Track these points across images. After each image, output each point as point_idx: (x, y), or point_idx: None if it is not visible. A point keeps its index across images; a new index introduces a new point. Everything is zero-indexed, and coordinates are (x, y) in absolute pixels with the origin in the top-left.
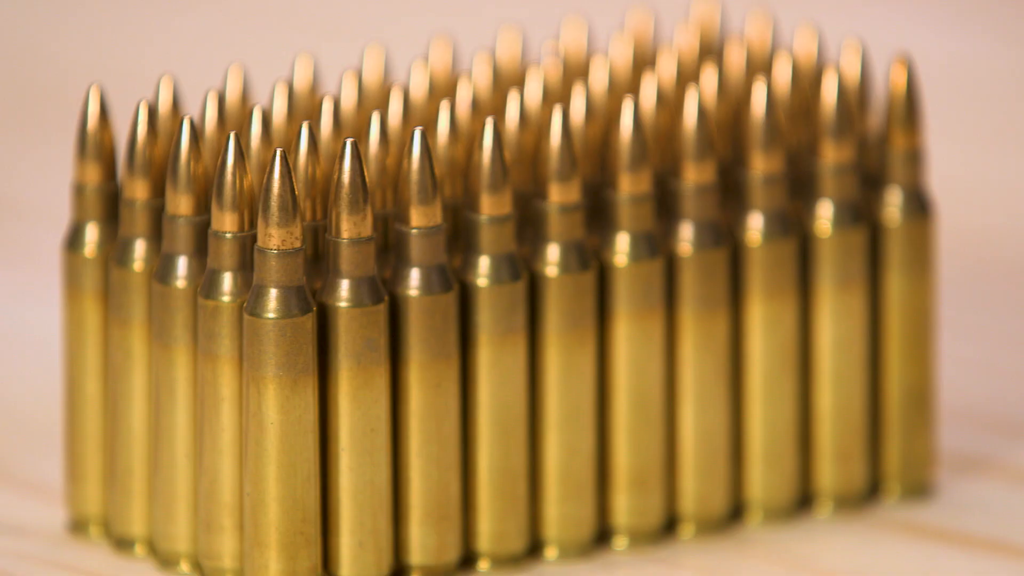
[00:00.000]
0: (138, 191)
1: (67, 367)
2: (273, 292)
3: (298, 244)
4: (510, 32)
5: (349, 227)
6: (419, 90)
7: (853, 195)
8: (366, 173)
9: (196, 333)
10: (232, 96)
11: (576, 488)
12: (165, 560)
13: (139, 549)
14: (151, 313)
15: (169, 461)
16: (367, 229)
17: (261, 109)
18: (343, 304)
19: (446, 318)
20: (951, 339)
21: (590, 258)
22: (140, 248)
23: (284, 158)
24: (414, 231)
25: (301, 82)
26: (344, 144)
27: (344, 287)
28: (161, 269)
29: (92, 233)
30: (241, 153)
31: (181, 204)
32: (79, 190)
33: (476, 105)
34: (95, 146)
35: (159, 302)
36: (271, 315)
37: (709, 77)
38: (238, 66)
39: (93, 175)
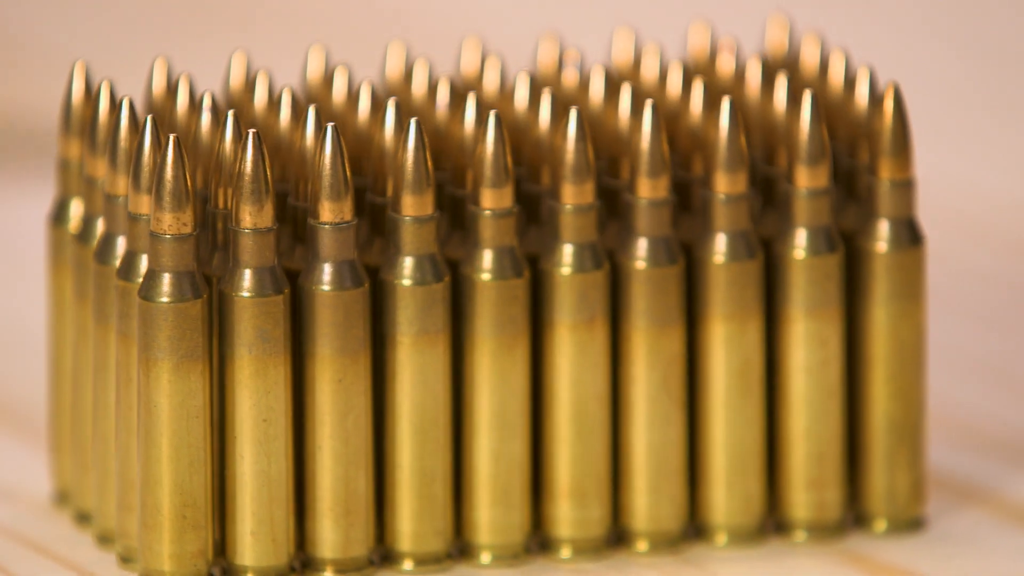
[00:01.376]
0: (98, 170)
1: (48, 340)
2: (166, 277)
3: (188, 229)
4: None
5: (250, 217)
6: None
7: (826, 221)
8: (267, 165)
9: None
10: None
11: (505, 494)
12: (102, 537)
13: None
14: (93, 292)
15: (102, 438)
16: (268, 220)
17: (211, 95)
18: (242, 293)
19: (350, 314)
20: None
21: (523, 265)
22: (100, 227)
23: (177, 144)
24: (326, 226)
25: (313, 73)
26: (247, 135)
27: (245, 277)
28: (100, 250)
29: (76, 208)
30: (159, 137)
31: (119, 185)
32: (63, 166)
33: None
34: (79, 122)
35: (97, 281)
36: (163, 299)
37: (687, 90)
38: (242, 54)
39: (77, 151)
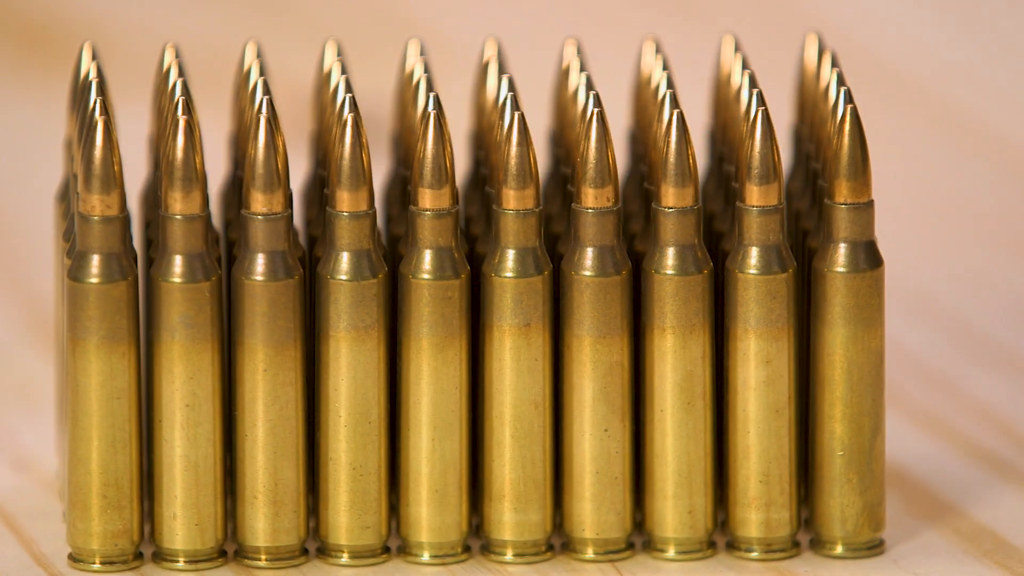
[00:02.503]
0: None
1: (55, 318)
2: (94, 258)
3: (115, 212)
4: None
5: (179, 204)
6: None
7: (776, 240)
8: (197, 153)
9: None
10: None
11: (440, 493)
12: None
13: None
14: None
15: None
16: (197, 207)
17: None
18: (170, 279)
19: (275, 305)
20: None
21: (462, 266)
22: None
23: (106, 127)
24: (259, 217)
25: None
26: (176, 122)
27: (175, 263)
28: (67, 230)
29: None
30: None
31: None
32: (69, 145)
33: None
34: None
35: (60, 258)
36: (90, 280)
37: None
38: (253, 43)
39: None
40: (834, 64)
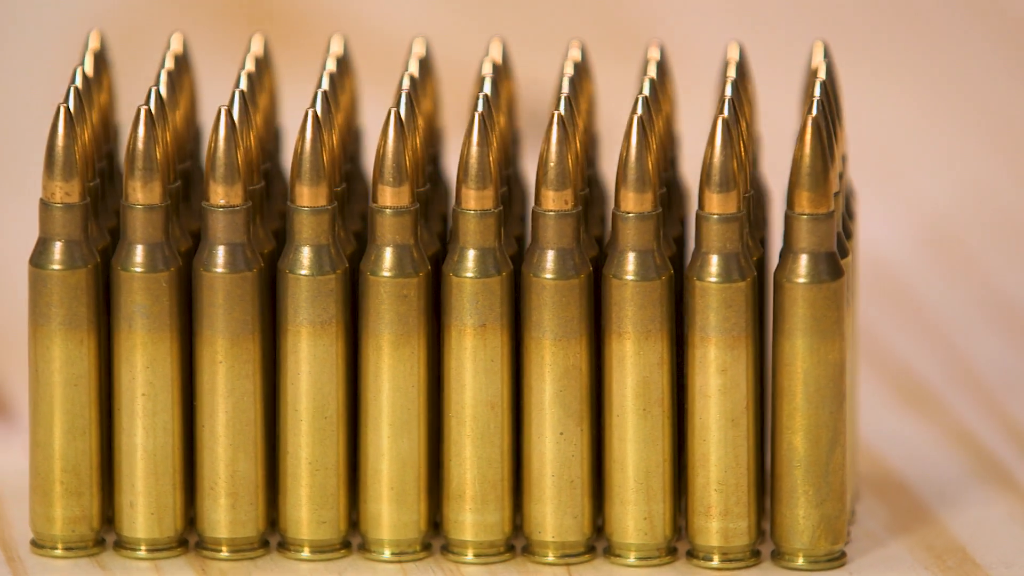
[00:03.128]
0: None
1: None
2: (56, 245)
3: (75, 199)
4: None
5: (140, 194)
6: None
7: (734, 248)
8: (158, 143)
9: None
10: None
11: (398, 491)
12: None
13: None
14: None
15: None
16: (156, 197)
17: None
18: (129, 268)
19: (231, 297)
20: None
21: (421, 264)
22: None
23: (68, 114)
24: (221, 209)
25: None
26: (138, 111)
27: (135, 252)
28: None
29: None
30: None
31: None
32: None
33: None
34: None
35: None
36: (52, 267)
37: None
38: (258, 36)
39: None
40: (827, 74)
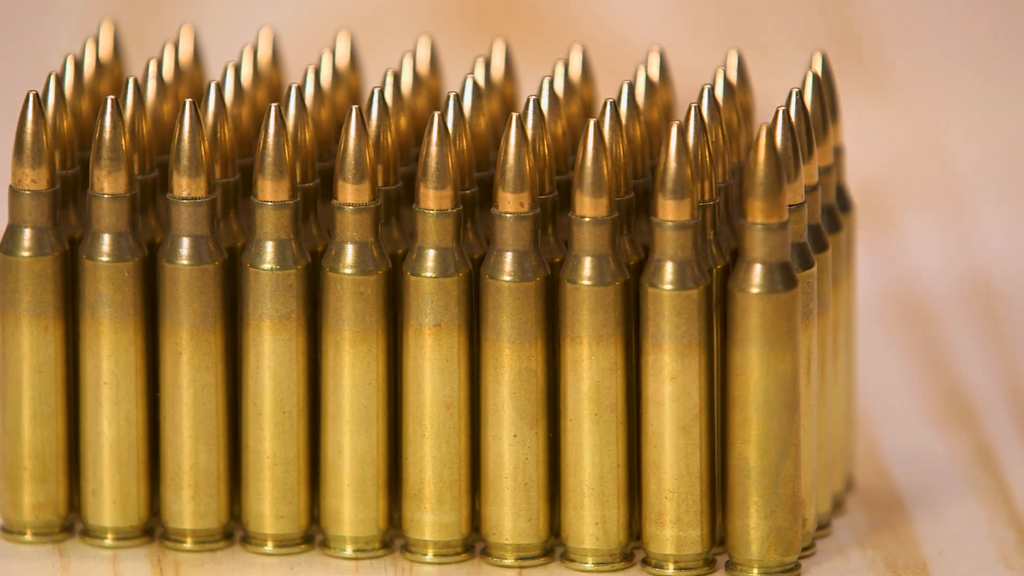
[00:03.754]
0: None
1: None
2: (25, 232)
3: (43, 187)
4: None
5: (106, 184)
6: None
7: (690, 256)
8: (124, 134)
9: None
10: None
11: (356, 488)
12: None
13: None
14: None
15: None
16: (122, 186)
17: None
18: (94, 257)
19: (191, 289)
20: None
21: (381, 262)
22: None
23: (37, 100)
24: (183, 201)
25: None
26: (104, 102)
27: (101, 241)
28: None
29: None
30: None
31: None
32: None
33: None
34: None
35: None
36: (21, 253)
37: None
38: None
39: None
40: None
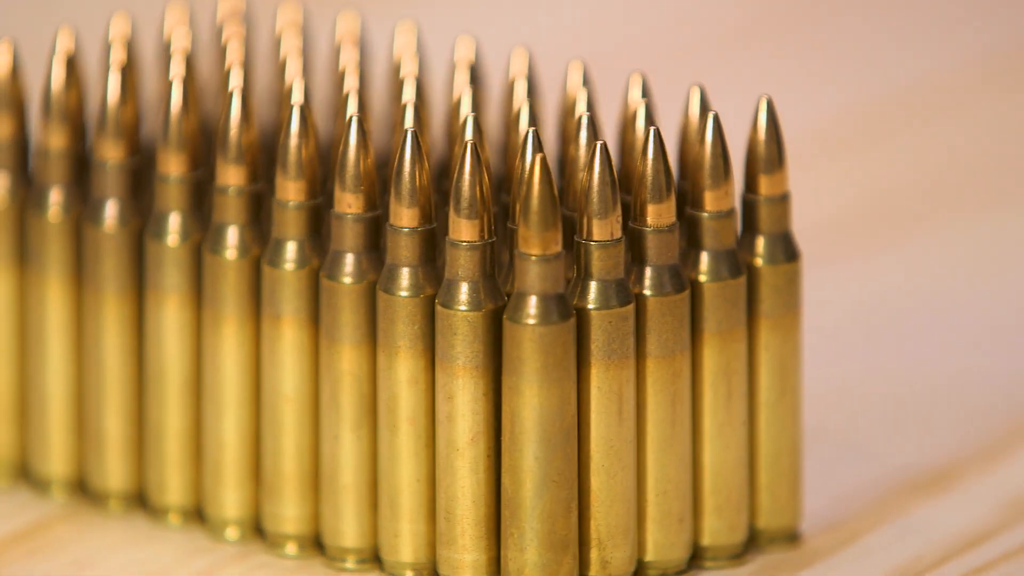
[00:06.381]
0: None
1: None
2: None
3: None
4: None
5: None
6: None
7: (476, 277)
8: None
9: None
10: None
11: (214, 469)
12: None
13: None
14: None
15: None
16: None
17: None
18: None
19: (97, 253)
20: None
21: (245, 249)
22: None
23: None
24: (106, 165)
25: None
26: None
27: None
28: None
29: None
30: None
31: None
32: None
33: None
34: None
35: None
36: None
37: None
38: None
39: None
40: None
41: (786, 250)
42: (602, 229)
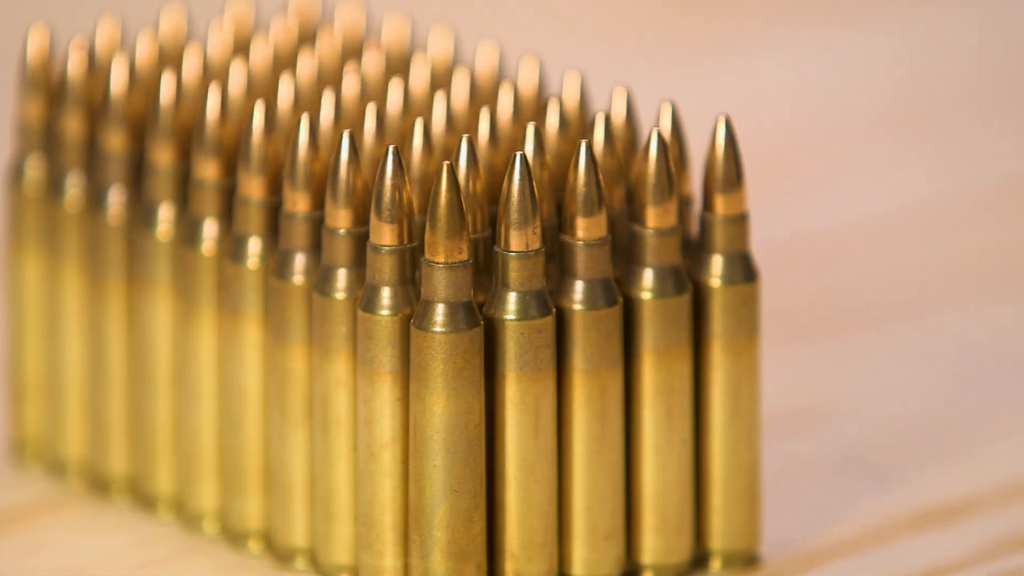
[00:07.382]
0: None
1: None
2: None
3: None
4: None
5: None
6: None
7: (394, 281)
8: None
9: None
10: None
11: (187, 459)
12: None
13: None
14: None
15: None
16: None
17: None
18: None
19: (93, 241)
20: None
21: (190, 236)
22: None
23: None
24: (110, 159)
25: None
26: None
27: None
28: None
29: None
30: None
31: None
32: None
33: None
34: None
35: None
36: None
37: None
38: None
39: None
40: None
41: (743, 270)
42: (519, 240)
